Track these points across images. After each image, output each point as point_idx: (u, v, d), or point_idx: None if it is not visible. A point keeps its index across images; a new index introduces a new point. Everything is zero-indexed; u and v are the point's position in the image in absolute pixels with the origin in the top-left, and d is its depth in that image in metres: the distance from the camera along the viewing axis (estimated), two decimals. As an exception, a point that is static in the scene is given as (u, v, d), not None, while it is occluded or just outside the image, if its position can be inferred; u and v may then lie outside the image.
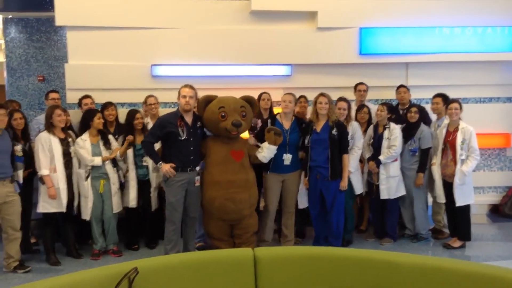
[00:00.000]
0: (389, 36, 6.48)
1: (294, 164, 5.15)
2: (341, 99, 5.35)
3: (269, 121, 5.18)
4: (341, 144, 5.05)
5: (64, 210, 4.98)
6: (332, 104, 5.11)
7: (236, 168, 4.83)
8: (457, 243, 5.42)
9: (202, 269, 2.52)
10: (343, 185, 5.08)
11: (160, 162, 4.68)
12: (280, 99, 5.23)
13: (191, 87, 4.75)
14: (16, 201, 4.75)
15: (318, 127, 5.10)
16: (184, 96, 4.68)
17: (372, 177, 5.50)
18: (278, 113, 5.32)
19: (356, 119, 5.68)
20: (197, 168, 4.79)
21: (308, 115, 5.75)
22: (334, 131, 5.00)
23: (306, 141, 5.11)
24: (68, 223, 5.24)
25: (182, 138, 4.65)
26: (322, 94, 5.09)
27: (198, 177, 4.79)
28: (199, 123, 4.85)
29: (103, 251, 5.33)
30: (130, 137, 5.17)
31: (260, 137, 5.14)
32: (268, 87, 6.13)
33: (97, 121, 5.14)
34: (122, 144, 5.29)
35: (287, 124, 5.15)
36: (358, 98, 6.06)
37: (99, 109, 5.55)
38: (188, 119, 4.75)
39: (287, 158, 5.06)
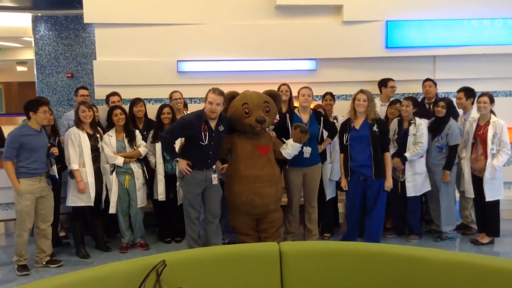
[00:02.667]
0: (416, 29, 6.36)
1: (313, 157, 5.10)
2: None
3: (287, 115, 5.16)
4: (382, 142, 4.96)
5: (92, 204, 5.08)
6: (372, 102, 4.96)
7: (263, 163, 4.84)
8: (485, 239, 5.34)
9: (228, 262, 2.54)
10: (388, 185, 4.99)
11: (177, 159, 4.68)
12: (298, 93, 5.20)
13: (219, 92, 4.57)
14: (50, 196, 4.87)
15: (357, 124, 5.00)
16: (211, 103, 4.54)
17: (397, 174, 5.40)
18: (295, 107, 5.30)
19: (386, 115, 5.63)
20: (214, 167, 4.79)
21: (335, 112, 5.74)
22: (375, 128, 4.91)
23: (345, 139, 5.04)
24: (96, 217, 5.34)
25: (204, 144, 4.64)
26: (361, 91, 4.97)
27: (215, 175, 4.77)
28: (221, 127, 4.76)
29: (131, 245, 5.42)
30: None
31: (278, 130, 5.15)
32: (293, 82, 6.09)
33: (115, 118, 5.22)
34: (152, 139, 5.37)
35: (305, 117, 5.12)
36: (390, 95, 5.99)
37: (128, 105, 5.65)
38: (212, 123, 4.68)
39: (307, 151, 5.02)
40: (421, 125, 5.25)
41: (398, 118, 5.48)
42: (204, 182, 4.73)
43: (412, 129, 5.26)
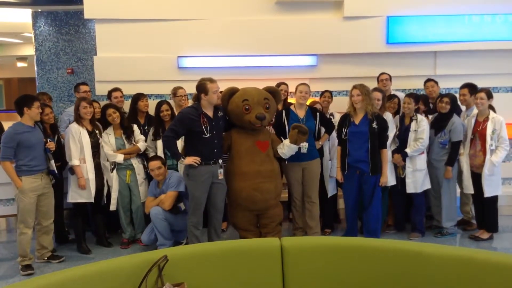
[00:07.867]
0: (416, 24, 6.37)
1: (311, 152, 5.10)
2: (376, 89, 5.29)
3: (283, 112, 5.15)
4: (380, 138, 4.95)
5: (92, 200, 5.09)
6: (368, 96, 4.91)
7: (262, 158, 4.84)
8: (485, 235, 5.35)
9: (230, 258, 2.54)
10: (384, 180, 5.01)
11: (182, 159, 4.62)
12: (295, 90, 5.19)
13: (214, 80, 4.68)
14: (51, 193, 4.86)
15: (357, 119, 5.00)
16: (215, 92, 4.59)
17: (397, 170, 5.39)
18: (291, 103, 5.29)
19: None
20: (220, 161, 4.75)
21: (332, 109, 5.75)
22: (374, 124, 4.90)
23: (343, 134, 5.04)
24: (97, 212, 5.35)
25: (207, 136, 4.60)
26: (354, 87, 4.97)
27: (221, 170, 4.74)
28: (220, 113, 4.78)
29: (132, 240, 5.43)
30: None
31: (275, 128, 5.14)
32: (294, 78, 6.11)
33: (110, 118, 5.21)
34: (153, 136, 5.36)
35: (301, 113, 5.14)
36: (383, 88, 5.98)
37: (129, 101, 5.64)
38: (210, 112, 4.66)
39: (304, 146, 4.99)
40: (423, 121, 5.24)
41: (400, 115, 5.47)
42: (211, 177, 4.68)
43: (413, 125, 5.25)
